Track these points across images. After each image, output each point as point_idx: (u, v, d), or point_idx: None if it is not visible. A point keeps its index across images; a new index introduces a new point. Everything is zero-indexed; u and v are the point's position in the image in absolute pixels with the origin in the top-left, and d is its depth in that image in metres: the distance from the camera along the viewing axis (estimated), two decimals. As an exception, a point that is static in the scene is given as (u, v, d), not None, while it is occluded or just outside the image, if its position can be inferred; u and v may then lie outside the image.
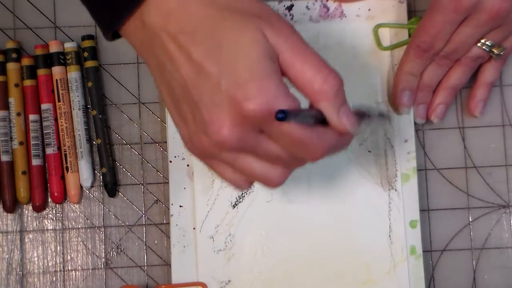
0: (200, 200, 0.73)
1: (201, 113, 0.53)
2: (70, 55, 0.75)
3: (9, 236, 0.74)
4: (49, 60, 0.75)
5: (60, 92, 0.74)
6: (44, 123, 0.74)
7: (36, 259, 0.74)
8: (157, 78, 0.57)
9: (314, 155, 0.54)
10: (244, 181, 0.57)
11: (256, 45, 0.52)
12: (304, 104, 0.54)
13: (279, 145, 0.54)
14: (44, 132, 0.74)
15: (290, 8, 0.75)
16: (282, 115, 0.49)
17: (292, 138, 0.53)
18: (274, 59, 0.53)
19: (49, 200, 0.74)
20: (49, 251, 0.74)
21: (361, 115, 0.57)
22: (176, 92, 0.55)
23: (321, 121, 0.54)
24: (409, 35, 0.74)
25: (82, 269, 0.74)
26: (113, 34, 0.58)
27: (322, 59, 0.53)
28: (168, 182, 0.74)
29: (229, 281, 0.72)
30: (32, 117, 0.74)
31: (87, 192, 0.75)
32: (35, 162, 0.74)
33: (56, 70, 0.75)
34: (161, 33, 0.54)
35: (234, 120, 0.52)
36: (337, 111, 0.53)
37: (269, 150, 0.54)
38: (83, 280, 0.74)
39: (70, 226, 0.74)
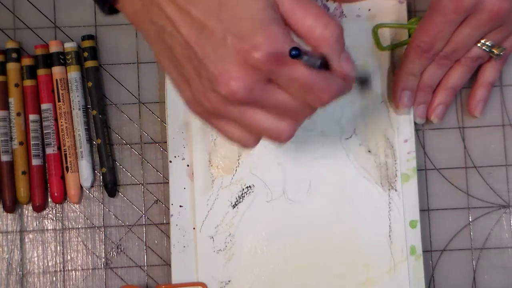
0: (200, 200, 0.73)
1: (207, 69, 0.53)
2: (70, 55, 0.75)
3: (9, 236, 0.74)
4: (49, 60, 0.75)
5: (60, 92, 0.74)
6: (44, 123, 0.74)
7: (36, 259, 0.74)
8: (156, 45, 0.57)
9: (323, 99, 0.55)
10: (251, 139, 0.58)
11: None
12: None
13: (288, 92, 0.54)
14: (44, 132, 0.74)
15: (290, 8, 0.75)
16: (296, 52, 0.51)
17: (301, 82, 0.53)
18: (275, 9, 0.54)
19: (49, 200, 0.74)
20: (49, 251, 0.74)
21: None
22: (178, 54, 0.55)
23: (324, 68, 0.55)
24: (409, 35, 0.74)
25: (82, 269, 0.74)
26: (110, 8, 0.59)
27: (322, 8, 0.55)
28: (168, 182, 0.74)
29: (229, 281, 0.72)
30: (32, 117, 0.74)
31: (87, 192, 0.75)
32: (35, 162, 0.74)
33: (56, 70, 0.75)
34: None
35: (243, 70, 0.52)
36: (338, 56, 0.55)
37: (277, 99, 0.54)
38: (83, 280, 0.74)
39: (70, 226, 0.74)
